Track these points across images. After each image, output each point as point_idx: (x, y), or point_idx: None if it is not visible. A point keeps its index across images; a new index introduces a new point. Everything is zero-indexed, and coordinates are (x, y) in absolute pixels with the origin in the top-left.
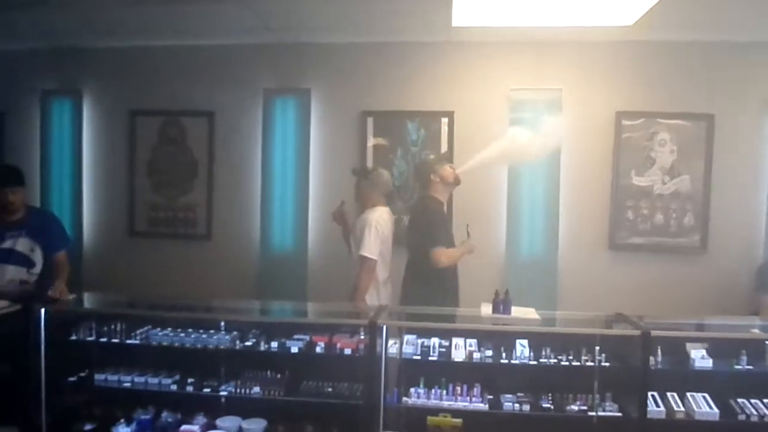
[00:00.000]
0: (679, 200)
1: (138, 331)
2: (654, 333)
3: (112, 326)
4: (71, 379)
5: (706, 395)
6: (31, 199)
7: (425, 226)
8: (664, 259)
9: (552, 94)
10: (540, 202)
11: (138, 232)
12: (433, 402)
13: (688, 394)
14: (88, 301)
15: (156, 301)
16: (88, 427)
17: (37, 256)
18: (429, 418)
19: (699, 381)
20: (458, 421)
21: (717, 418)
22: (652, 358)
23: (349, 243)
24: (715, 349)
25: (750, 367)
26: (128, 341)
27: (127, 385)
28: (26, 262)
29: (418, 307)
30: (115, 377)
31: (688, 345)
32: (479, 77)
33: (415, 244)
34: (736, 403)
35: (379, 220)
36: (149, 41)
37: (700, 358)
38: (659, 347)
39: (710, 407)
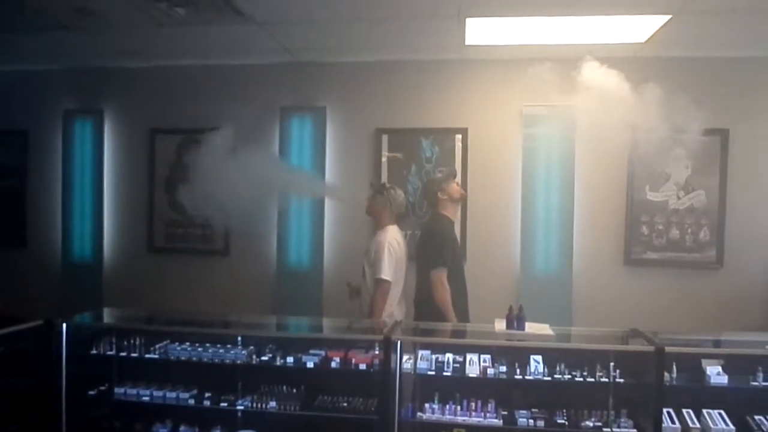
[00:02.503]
0: (694, 215)
1: (157, 346)
2: (669, 349)
3: (132, 341)
4: (91, 392)
5: (722, 412)
6: (54, 215)
7: (432, 246)
8: (680, 274)
9: (565, 110)
10: (554, 217)
11: (157, 248)
12: (448, 417)
13: (704, 410)
14: (108, 316)
15: (174, 317)
16: None
17: None
18: None
19: (715, 397)
20: None
21: None
22: (667, 375)
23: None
24: (731, 365)
25: (767, 383)
26: (147, 356)
27: (146, 398)
28: None
29: (433, 323)
30: (134, 391)
31: (704, 361)
32: (492, 94)
33: (423, 262)
34: (753, 420)
35: (392, 241)
36: (168, 62)
37: (715, 374)
38: (674, 363)
39: (726, 424)
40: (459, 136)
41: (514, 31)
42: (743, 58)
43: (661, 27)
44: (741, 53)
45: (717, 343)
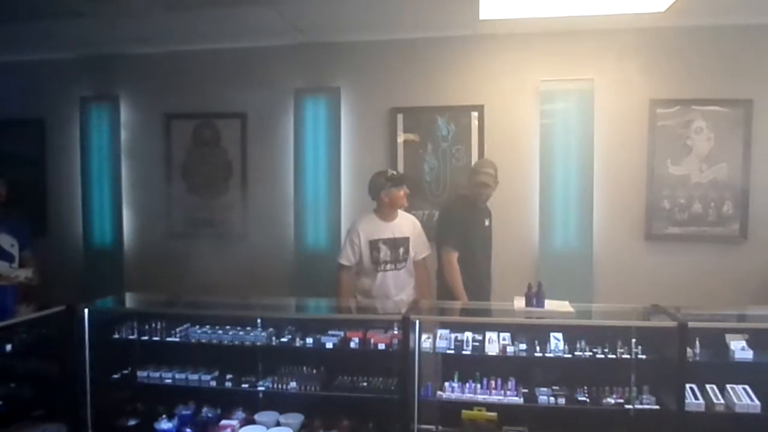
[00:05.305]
0: (717, 189)
1: (178, 329)
2: (692, 324)
3: (153, 325)
4: (115, 376)
5: (746, 387)
6: (74, 202)
7: (442, 227)
8: (703, 249)
9: (583, 83)
10: (574, 192)
11: (176, 233)
12: (468, 396)
13: (728, 386)
14: (130, 300)
15: (194, 300)
16: (131, 422)
17: (16, 251)
18: (464, 412)
19: (739, 373)
20: (493, 414)
21: (759, 410)
22: (690, 350)
23: None
24: (755, 339)
25: None
26: (168, 339)
27: (169, 381)
28: (8, 256)
29: (451, 302)
30: (156, 374)
31: (728, 336)
32: (508, 70)
33: (437, 240)
34: None
35: None
36: (181, 46)
37: (740, 349)
38: (697, 339)
39: (751, 399)
40: (475, 114)
41: (529, 3)
42: (767, 26)
43: None
44: (765, 20)
45: (741, 318)
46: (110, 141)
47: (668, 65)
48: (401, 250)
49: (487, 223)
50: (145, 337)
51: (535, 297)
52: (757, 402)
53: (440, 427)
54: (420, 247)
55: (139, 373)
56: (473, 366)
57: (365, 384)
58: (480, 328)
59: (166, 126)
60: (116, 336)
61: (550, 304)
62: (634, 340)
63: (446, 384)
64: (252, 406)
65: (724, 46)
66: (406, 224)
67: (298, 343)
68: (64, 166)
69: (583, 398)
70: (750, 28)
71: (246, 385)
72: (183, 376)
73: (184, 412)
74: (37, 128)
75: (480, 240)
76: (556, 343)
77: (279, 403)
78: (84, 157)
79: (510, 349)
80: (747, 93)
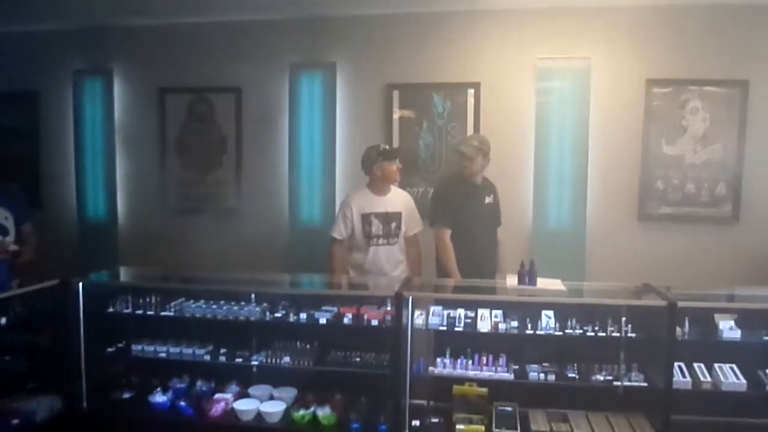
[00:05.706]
0: (710, 169)
1: (172, 304)
2: (681, 304)
3: (148, 299)
4: (109, 349)
5: (733, 366)
6: (68, 176)
7: (433, 205)
8: (695, 229)
9: (580, 62)
10: (568, 171)
11: (170, 208)
12: (459, 372)
13: (716, 365)
14: (124, 275)
15: (189, 275)
16: (126, 395)
17: (10, 224)
18: (455, 387)
19: (727, 352)
20: (484, 390)
21: (745, 389)
22: (679, 329)
23: None
24: (744, 319)
25: None
26: (163, 313)
27: (163, 355)
28: (2, 230)
29: (444, 279)
30: (151, 348)
31: (717, 316)
32: (505, 47)
33: (430, 217)
34: (765, 374)
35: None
36: (176, 19)
37: (728, 328)
38: (686, 318)
39: (738, 378)
40: (471, 91)
41: None
42: (765, 5)
43: None
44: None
45: (730, 298)
46: (104, 115)
47: (665, 45)
48: (393, 225)
49: (488, 199)
50: (140, 311)
51: (527, 275)
52: (743, 380)
53: (432, 402)
54: (412, 223)
55: (134, 347)
56: (465, 342)
57: (358, 359)
58: (472, 305)
59: (161, 100)
60: (111, 310)
61: (542, 282)
62: (624, 319)
63: (438, 360)
64: (246, 380)
65: (720, 26)
66: (398, 199)
67: (291, 318)
68: (59, 140)
69: (573, 375)
70: (747, 7)
71: (240, 360)
72: (177, 350)
73: (178, 386)
74: (32, 101)
75: (478, 217)
76: (548, 320)
77: (272, 377)
78: (78, 130)
79: (502, 326)
80: (743, 73)
